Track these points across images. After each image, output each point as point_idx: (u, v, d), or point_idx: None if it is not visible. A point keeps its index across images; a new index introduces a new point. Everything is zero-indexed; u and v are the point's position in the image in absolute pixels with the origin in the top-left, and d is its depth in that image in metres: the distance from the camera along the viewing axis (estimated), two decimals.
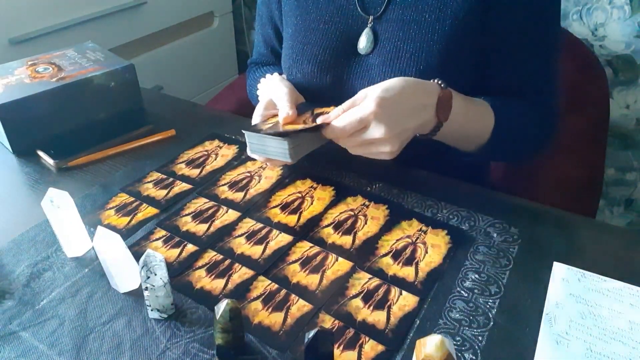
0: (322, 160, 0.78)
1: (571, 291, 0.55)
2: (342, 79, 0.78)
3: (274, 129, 0.68)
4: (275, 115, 0.74)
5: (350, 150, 0.65)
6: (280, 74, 0.87)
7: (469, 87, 0.77)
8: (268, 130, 0.68)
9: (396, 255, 0.60)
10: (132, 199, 0.72)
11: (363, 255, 0.61)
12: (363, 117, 0.60)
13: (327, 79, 0.78)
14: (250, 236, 0.64)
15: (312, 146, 0.69)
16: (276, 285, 0.57)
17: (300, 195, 0.71)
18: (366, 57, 0.76)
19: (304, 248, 0.62)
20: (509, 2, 0.69)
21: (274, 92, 0.75)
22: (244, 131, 0.70)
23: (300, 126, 0.67)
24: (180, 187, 0.74)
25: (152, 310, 0.53)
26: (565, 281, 0.56)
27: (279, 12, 0.87)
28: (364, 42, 0.76)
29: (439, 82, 0.66)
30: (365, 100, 0.61)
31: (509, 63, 0.74)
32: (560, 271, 0.57)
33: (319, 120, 0.64)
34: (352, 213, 0.67)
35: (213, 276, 0.58)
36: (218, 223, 0.66)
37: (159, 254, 0.51)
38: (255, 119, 0.75)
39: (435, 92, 0.65)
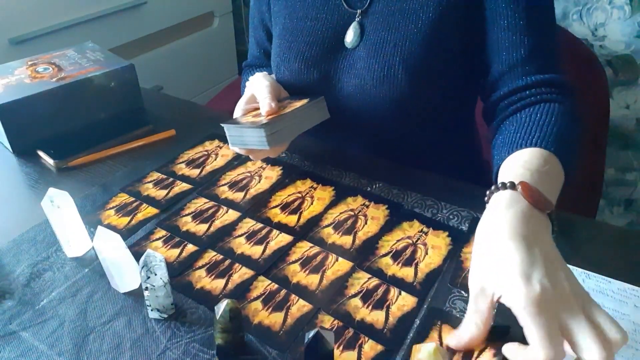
0: (322, 160, 0.78)
1: None
2: (329, 74, 0.78)
3: (253, 120, 0.69)
4: (257, 109, 0.74)
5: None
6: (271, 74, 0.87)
7: (455, 74, 0.76)
8: (246, 122, 0.70)
9: (396, 255, 0.60)
10: (132, 199, 0.72)
11: (363, 255, 0.60)
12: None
13: (314, 75, 0.79)
14: (250, 236, 0.64)
15: (290, 133, 0.70)
16: (276, 285, 0.57)
17: (300, 195, 0.71)
18: (353, 51, 0.76)
19: (304, 248, 0.62)
20: None
21: (255, 87, 0.75)
22: (222, 124, 0.71)
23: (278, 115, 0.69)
24: (180, 187, 0.74)
25: (152, 310, 0.53)
26: None
27: (269, 14, 0.87)
28: (350, 36, 0.76)
29: (498, 186, 0.54)
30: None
31: (506, 43, 0.70)
32: None
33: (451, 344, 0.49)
34: (352, 213, 0.67)
35: (213, 276, 0.58)
36: (218, 223, 0.66)
37: (159, 254, 0.51)
38: (237, 112, 0.76)
39: (525, 209, 0.51)
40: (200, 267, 0.60)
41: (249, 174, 0.76)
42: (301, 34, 0.79)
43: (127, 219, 0.68)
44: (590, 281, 0.55)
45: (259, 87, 0.74)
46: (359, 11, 0.75)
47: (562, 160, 0.60)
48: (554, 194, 0.56)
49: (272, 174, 0.76)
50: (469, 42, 0.73)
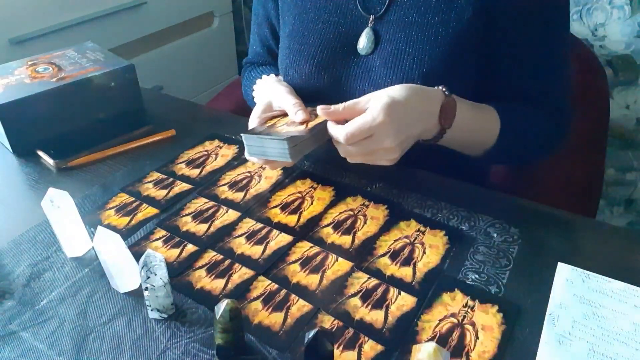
0: (322, 160, 0.78)
1: (575, 292, 0.54)
2: (340, 80, 0.77)
3: (273, 131, 0.68)
4: (274, 117, 0.73)
5: (350, 159, 0.65)
6: (277, 74, 0.86)
7: (472, 90, 0.76)
8: (266, 132, 0.68)
9: (394, 255, 0.60)
10: (132, 199, 0.72)
11: (361, 255, 0.61)
12: (372, 126, 0.59)
13: (324, 80, 0.78)
14: (250, 236, 0.64)
15: (311, 146, 0.69)
16: (276, 285, 0.57)
17: (300, 195, 0.71)
18: (366, 57, 0.75)
19: (304, 248, 0.62)
20: (514, 7, 0.69)
21: (275, 95, 0.73)
22: (242, 135, 0.70)
23: (304, 126, 0.67)
24: (180, 187, 0.74)
25: (152, 310, 0.53)
26: (569, 282, 0.56)
27: (275, 12, 0.86)
28: (363, 42, 0.75)
29: (443, 89, 0.66)
30: (373, 109, 0.60)
31: (517, 68, 0.73)
32: (564, 272, 0.57)
33: (320, 112, 0.64)
34: (352, 213, 0.67)
35: (213, 276, 0.58)
36: (218, 223, 0.66)
37: (159, 254, 0.51)
38: (253, 121, 0.74)
39: (439, 99, 0.65)
40: (200, 267, 0.60)
41: (249, 174, 0.76)
42: (312, 36, 0.78)
43: (127, 219, 0.68)
44: (590, 281, 0.55)
45: (279, 95, 0.72)
46: (372, 17, 0.74)
47: (501, 121, 0.71)
48: (467, 121, 0.68)
49: (272, 174, 0.76)
50: (485, 58, 0.73)
